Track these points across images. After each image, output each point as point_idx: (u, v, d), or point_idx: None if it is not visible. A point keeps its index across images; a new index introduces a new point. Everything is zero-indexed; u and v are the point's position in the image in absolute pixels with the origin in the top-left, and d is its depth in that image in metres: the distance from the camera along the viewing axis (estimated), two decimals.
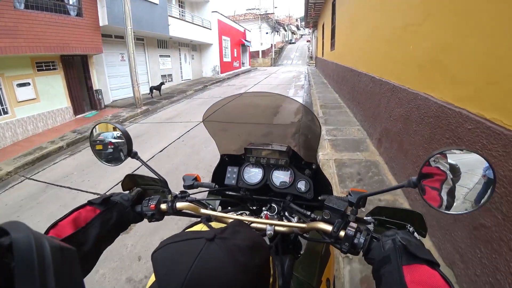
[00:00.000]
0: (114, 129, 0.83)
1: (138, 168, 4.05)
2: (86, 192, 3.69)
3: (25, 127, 6.83)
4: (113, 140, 0.84)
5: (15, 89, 6.58)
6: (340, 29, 8.54)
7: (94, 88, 9.01)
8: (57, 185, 4.04)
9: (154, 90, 10.91)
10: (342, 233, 0.62)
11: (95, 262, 0.65)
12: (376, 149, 3.78)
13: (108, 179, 3.97)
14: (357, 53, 5.61)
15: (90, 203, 0.71)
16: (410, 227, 0.64)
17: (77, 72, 8.39)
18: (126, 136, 0.79)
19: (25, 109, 6.83)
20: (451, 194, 0.53)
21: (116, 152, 0.84)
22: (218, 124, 1.12)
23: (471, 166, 0.52)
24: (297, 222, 0.80)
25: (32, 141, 6.43)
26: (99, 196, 0.74)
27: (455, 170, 0.52)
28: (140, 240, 2.55)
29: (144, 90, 12.13)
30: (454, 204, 0.53)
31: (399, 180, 2.84)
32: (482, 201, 0.50)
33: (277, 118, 1.15)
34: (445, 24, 1.99)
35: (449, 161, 0.52)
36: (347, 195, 0.71)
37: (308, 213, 0.80)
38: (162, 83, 11.18)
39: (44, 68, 7.32)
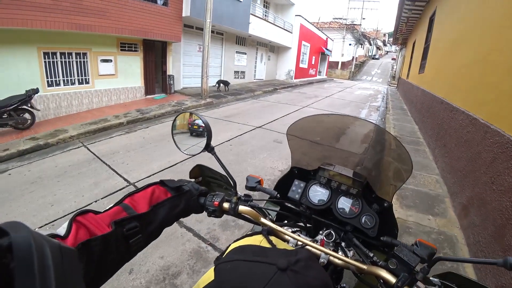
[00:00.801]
0: (198, 120, 0.86)
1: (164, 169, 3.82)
2: (120, 175, 3.74)
3: (101, 98, 7.53)
4: (194, 131, 0.88)
5: (98, 64, 7.29)
6: (435, 49, 7.22)
7: (167, 73, 9.45)
8: (102, 160, 4.24)
9: (221, 84, 10.99)
10: None
11: (153, 240, 0.67)
12: (457, 218, 2.80)
13: (142, 169, 3.94)
14: (454, 82, 4.48)
15: (162, 183, 0.74)
16: None
17: (155, 56, 8.89)
18: (208, 130, 0.80)
19: (103, 82, 7.53)
20: None
21: (194, 142, 0.87)
22: (299, 134, 1.10)
23: None
24: (356, 259, 0.71)
25: (103, 111, 7.04)
26: (170, 179, 0.77)
27: None
28: (140, 252, 2.27)
29: (214, 83, 12.45)
30: None
31: (481, 281, 1.95)
32: None
33: (361, 145, 1.13)
34: None
35: None
36: (413, 245, 0.64)
37: (371, 254, 0.71)
38: (228, 82, 11.20)
39: (126, 48, 7.93)
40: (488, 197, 2.23)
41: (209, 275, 0.62)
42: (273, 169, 4.06)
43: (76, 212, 0.53)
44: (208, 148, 0.81)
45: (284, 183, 1.02)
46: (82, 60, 6.93)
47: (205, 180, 0.99)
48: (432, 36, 7.96)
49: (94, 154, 4.46)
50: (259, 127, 6.41)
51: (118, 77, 7.86)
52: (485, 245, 2.08)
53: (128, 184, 3.50)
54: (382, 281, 0.63)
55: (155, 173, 3.77)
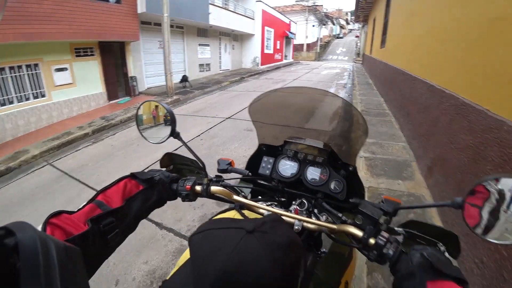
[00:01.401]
0: (161, 108, 0.86)
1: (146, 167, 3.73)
2: (92, 188, 3.60)
3: (61, 111, 7.09)
4: (159, 119, 0.88)
5: (53, 74, 6.82)
6: (394, 23, 7.46)
7: (129, 75, 9.08)
8: (70, 176, 4.03)
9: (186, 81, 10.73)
10: (372, 241, 0.62)
11: (130, 233, 0.69)
12: (423, 179, 2.97)
13: (114, 178, 3.66)
14: (412, 53, 4.67)
15: (133, 176, 0.74)
16: (441, 246, 0.63)
17: (113, 58, 8.49)
18: (172, 117, 0.80)
19: (61, 93, 7.08)
20: (494, 221, 0.50)
21: (160, 131, 0.86)
22: (261, 113, 1.12)
23: None
24: (327, 221, 0.75)
25: (65, 124, 6.64)
26: (141, 171, 0.78)
27: (505, 198, 0.49)
28: (123, 261, 2.28)
29: (179, 78, 12.13)
30: (495, 232, 0.50)
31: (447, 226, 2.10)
32: None
33: (321, 115, 1.14)
34: None
35: (500, 187, 0.49)
36: (380, 202, 0.69)
37: (340, 214, 0.78)
38: (186, 77, 10.93)
39: (82, 54, 7.48)
40: (448, 156, 2.37)
41: (186, 255, 0.63)
42: (246, 157, 4.01)
43: (49, 214, 0.52)
44: (174, 134, 0.81)
45: (254, 161, 1.05)
46: (34, 72, 6.43)
47: (176, 168, 1.00)
48: (390, 11, 8.20)
49: (62, 171, 4.24)
50: (229, 118, 6.37)
51: (76, 86, 7.41)
52: (448, 199, 2.22)
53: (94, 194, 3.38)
54: (352, 237, 0.67)
55: None
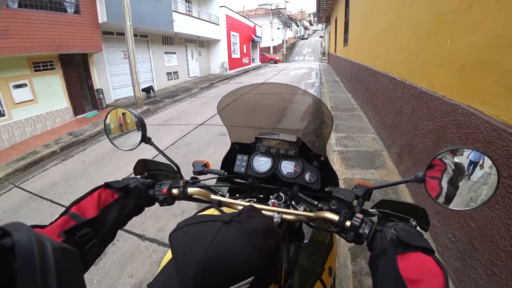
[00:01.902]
0: (129, 115, 0.85)
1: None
2: (65, 207, 3.27)
3: (23, 129, 6.65)
4: (128, 126, 0.87)
5: (11, 91, 6.40)
6: (354, 22, 7.86)
7: (95, 88, 8.72)
8: (40, 197, 3.80)
9: (150, 91, 10.26)
10: (348, 223, 0.65)
11: (109, 243, 0.66)
12: (394, 166, 3.18)
13: None
14: (373, 49, 4.97)
15: (108, 186, 0.72)
16: (413, 221, 0.68)
17: (76, 71, 8.11)
18: (141, 122, 0.80)
19: (22, 111, 6.65)
20: (454, 190, 0.55)
21: (130, 137, 0.86)
22: (231, 112, 1.13)
23: (477, 166, 0.53)
24: (304, 211, 0.79)
25: (29, 143, 6.25)
26: (115, 180, 0.75)
27: (460, 168, 0.54)
28: (107, 276, 2.21)
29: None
30: (456, 200, 0.55)
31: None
32: (482, 200, 0.53)
33: (289, 110, 1.16)
34: (510, 7, 1.40)
35: (456, 159, 0.54)
36: (353, 188, 0.72)
37: (316, 202, 0.81)
38: (151, 87, 10.41)
39: (41, 68, 7.08)
40: (414, 142, 2.56)
41: (169, 254, 0.64)
42: None
43: None
44: (145, 139, 0.81)
45: (228, 161, 1.06)
46: None
47: (151, 174, 0.99)
48: (350, 10, 8.61)
49: (30, 192, 3.98)
50: (201, 124, 6.35)
51: (38, 102, 6.98)
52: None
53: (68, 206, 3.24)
54: (329, 222, 0.70)
55: None
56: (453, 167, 0.55)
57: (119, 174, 4.06)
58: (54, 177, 4.41)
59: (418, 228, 0.64)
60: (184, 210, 2.95)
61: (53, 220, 0.58)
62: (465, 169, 0.54)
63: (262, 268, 0.44)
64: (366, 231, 0.62)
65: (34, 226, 0.52)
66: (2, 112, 6.25)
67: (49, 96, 7.28)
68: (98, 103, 8.75)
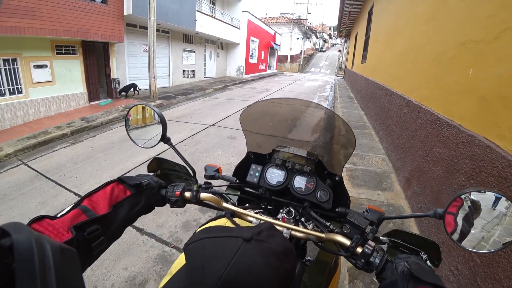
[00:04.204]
0: (151, 112, 0.85)
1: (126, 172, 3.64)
2: (69, 190, 3.46)
3: (38, 109, 6.80)
4: (149, 124, 0.87)
5: (31, 70, 6.54)
6: (374, 40, 7.84)
7: (112, 77, 8.87)
8: (46, 177, 3.86)
9: (132, 90, 9.41)
10: (359, 250, 0.64)
11: (115, 239, 0.66)
12: (402, 190, 3.12)
13: (93, 181, 3.68)
14: (391, 70, 4.94)
15: (121, 181, 0.72)
16: (423, 254, 0.66)
17: (96, 58, 8.27)
18: (163, 121, 0.80)
19: (39, 91, 6.80)
20: (469, 228, 0.54)
21: (150, 135, 0.85)
22: (252, 122, 1.13)
23: (499, 209, 0.53)
24: (314, 230, 0.77)
25: (42, 123, 6.38)
26: (129, 176, 0.75)
27: (477, 206, 0.53)
28: (102, 266, 2.22)
29: (163, 83, 11.98)
30: (469, 238, 0.54)
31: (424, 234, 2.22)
32: (502, 245, 0.51)
33: (311, 126, 1.18)
34: None
35: (476, 199, 0.54)
36: (364, 212, 0.72)
37: (327, 223, 0.79)
38: (134, 85, 9.41)
39: (63, 51, 7.25)
40: (425, 168, 2.52)
41: (180, 260, 0.64)
42: (229, 165, 4.10)
43: (31, 219, 0.50)
44: (164, 139, 0.81)
45: (242, 169, 1.06)
46: (12, 67, 6.14)
47: (164, 173, 0.99)
48: (371, 28, 8.60)
49: (37, 171, 4.05)
50: (212, 125, 6.37)
51: (56, 84, 7.14)
52: (426, 210, 2.36)
53: (79, 198, 3.26)
54: (339, 245, 0.70)
55: None
56: (470, 204, 0.55)
57: (126, 165, 4.10)
58: (62, 159, 4.49)
59: (428, 262, 0.64)
60: (186, 209, 2.94)
61: (64, 211, 0.58)
62: (481, 207, 0.54)
63: None
64: (377, 260, 0.61)
65: (45, 217, 0.52)
66: (20, 90, 6.40)
67: (67, 79, 7.43)
68: (113, 92, 8.89)
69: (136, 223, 2.69)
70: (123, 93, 9.14)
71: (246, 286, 0.40)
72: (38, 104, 6.77)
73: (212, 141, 5.19)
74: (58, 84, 7.20)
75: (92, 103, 8.25)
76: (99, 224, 0.59)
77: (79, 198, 0.64)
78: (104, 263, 2.23)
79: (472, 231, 0.54)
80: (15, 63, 6.21)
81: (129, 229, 2.60)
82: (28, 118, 6.56)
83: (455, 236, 0.56)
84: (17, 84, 6.34)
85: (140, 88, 9.58)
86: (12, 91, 6.26)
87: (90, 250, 0.56)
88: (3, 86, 6.08)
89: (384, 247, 0.68)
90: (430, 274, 0.53)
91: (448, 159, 2.06)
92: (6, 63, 6.05)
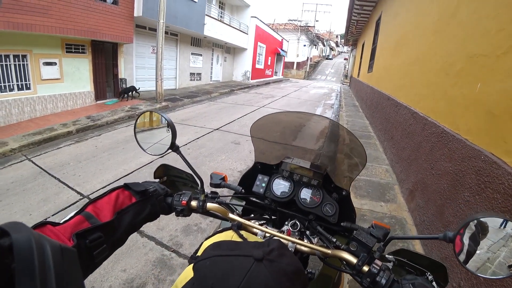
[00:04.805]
0: (161, 119, 0.84)
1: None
2: (71, 189, 3.46)
3: (45, 105, 6.86)
4: (158, 131, 0.86)
5: (40, 67, 6.62)
6: (381, 50, 7.84)
7: (119, 77, 8.96)
8: (49, 174, 3.88)
9: (132, 92, 9.12)
10: (365, 268, 0.64)
11: (118, 247, 0.64)
12: (405, 202, 3.09)
13: (96, 180, 3.69)
14: (398, 80, 4.92)
15: (127, 187, 0.70)
16: (429, 275, 0.65)
17: (105, 58, 8.37)
18: (172, 129, 0.79)
19: (47, 88, 6.87)
20: (484, 257, 0.53)
21: (159, 142, 0.85)
22: (262, 133, 1.14)
23: (506, 231, 0.52)
24: (320, 245, 0.76)
25: (48, 120, 6.43)
26: (135, 182, 0.73)
27: (484, 228, 0.53)
28: (100, 267, 2.11)
29: (170, 85, 12.06)
30: (486, 267, 0.53)
31: (428, 254, 2.18)
32: (508, 267, 0.51)
33: (320, 138, 1.18)
34: None
35: (488, 224, 0.53)
36: (369, 227, 0.71)
37: (334, 239, 0.78)
38: (133, 88, 9.06)
39: (73, 50, 7.33)
40: (429, 181, 2.49)
41: (186, 274, 0.63)
42: (232, 170, 4.08)
43: (33, 225, 0.49)
44: (173, 147, 0.80)
45: (248, 178, 1.05)
46: (21, 63, 6.22)
47: (170, 180, 0.98)
48: (379, 38, 8.61)
49: (40, 168, 4.07)
50: (217, 129, 6.37)
51: (64, 82, 7.21)
52: (429, 224, 2.33)
53: (81, 197, 3.26)
54: (345, 263, 0.70)
55: (110, 183, 3.57)
56: (486, 234, 0.54)
57: (129, 166, 4.11)
58: (66, 157, 4.51)
59: (434, 284, 0.62)
60: None
61: (67, 217, 0.57)
62: (488, 229, 0.53)
63: None
64: (383, 280, 0.61)
65: (48, 223, 0.52)
66: (28, 86, 6.47)
67: (75, 77, 7.51)
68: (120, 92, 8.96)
69: None
70: (124, 95, 8.94)
71: None
72: (45, 100, 6.83)
73: (216, 146, 5.19)
74: (66, 81, 7.28)
75: (98, 102, 8.33)
76: (102, 231, 0.58)
77: (84, 204, 0.63)
78: (103, 264, 2.21)
79: (486, 259, 0.54)
80: (25, 59, 6.29)
81: None
82: (35, 114, 6.63)
83: (462, 257, 0.55)
84: (25, 80, 6.41)
85: (139, 88, 9.41)
86: (20, 86, 6.33)
87: (92, 257, 0.55)
88: (12, 82, 6.14)
89: (390, 265, 0.67)
90: None
91: (453, 173, 2.04)
92: (16, 59, 6.13)
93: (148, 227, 2.68)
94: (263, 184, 0.99)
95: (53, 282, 0.27)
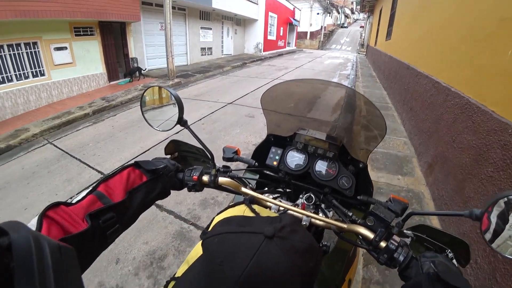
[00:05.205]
0: (167, 94, 0.82)
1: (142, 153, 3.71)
2: (92, 168, 3.62)
3: (60, 90, 6.99)
4: (165, 106, 0.84)
5: (52, 53, 6.66)
6: (401, 15, 7.34)
7: (130, 56, 8.92)
8: (71, 155, 4.05)
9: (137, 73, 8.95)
10: (382, 244, 0.62)
11: (130, 226, 0.65)
12: (423, 176, 3.01)
13: (115, 159, 3.83)
14: (419, 48, 4.62)
15: (138, 165, 0.69)
16: (450, 252, 0.62)
17: (114, 38, 8.30)
18: (179, 103, 0.77)
19: (61, 72, 6.96)
20: (503, 226, 0.50)
21: (166, 117, 0.83)
22: (272, 103, 1.09)
23: None
24: (335, 219, 0.73)
25: (65, 104, 6.58)
26: (145, 160, 0.72)
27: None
28: (123, 240, 2.34)
29: (181, 62, 11.92)
30: (501, 238, 0.50)
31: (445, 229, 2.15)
32: None
33: (336, 109, 1.12)
34: None
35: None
36: (387, 201, 0.68)
37: (350, 213, 0.74)
38: (139, 68, 8.93)
39: (81, 33, 7.29)
40: (450, 155, 2.40)
41: (197, 251, 0.64)
42: (247, 143, 4.11)
43: (46, 206, 0.49)
44: (181, 122, 0.78)
45: (261, 151, 1.03)
46: (33, 50, 6.27)
47: (181, 155, 0.97)
48: (398, 2, 8.03)
49: (62, 150, 4.24)
50: (230, 103, 6.34)
51: (76, 65, 7.27)
52: (448, 198, 2.27)
53: (102, 175, 3.40)
54: (361, 237, 0.67)
55: (128, 161, 3.68)
56: (507, 201, 0.50)
57: (146, 143, 4.21)
58: (85, 138, 4.66)
59: (454, 261, 0.59)
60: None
61: (79, 197, 0.57)
62: None
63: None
64: (401, 257, 0.58)
65: (60, 203, 0.52)
66: (43, 72, 6.56)
67: (86, 60, 7.53)
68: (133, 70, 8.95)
69: None
70: (133, 75, 8.78)
71: (267, 284, 0.39)
72: (60, 85, 6.95)
73: (230, 120, 5.19)
74: (79, 65, 7.33)
75: (111, 82, 8.39)
76: (115, 211, 0.58)
77: (95, 183, 0.62)
78: (126, 237, 2.35)
79: (505, 231, 0.50)
80: (36, 46, 6.33)
81: None
82: (52, 99, 6.79)
83: (488, 236, 0.52)
84: (39, 67, 6.50)
85: (145, 68, 9.34)
86: (35, 73, 6.43)
87: (105, 237, 0.56)
88: (26, 69, 6.24)
89: (408, 240, 0.64)
90: (457, 276, 0.49)
91: (477, 147, 1.94)
92: (28, 47, 6.18)
93: (167, 202, 2.78)
94: (277, 157, 0.96)
95: (51, 281, 0.27)
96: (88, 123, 5.46)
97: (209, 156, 0.83)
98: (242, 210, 0.69)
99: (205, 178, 0.81)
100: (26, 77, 6.26)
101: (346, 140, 0.98)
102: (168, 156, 0.89)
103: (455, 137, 2.35)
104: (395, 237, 0.62)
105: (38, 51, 6.39)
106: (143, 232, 2.40)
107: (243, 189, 0.80)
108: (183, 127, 0.80)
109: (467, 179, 1.99)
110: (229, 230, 0.46)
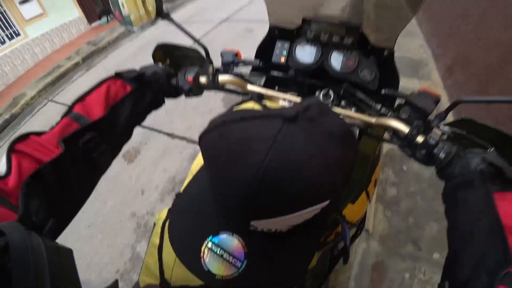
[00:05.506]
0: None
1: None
2: None
3: (42, 46, 6.61)
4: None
5: (18, 7, 6.06)
6: None
7: None
8: None
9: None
10: (420, 139, 0.52)
11: (125, 142, 0.60)
12: (441, 79, 2.86)
13: None
14: None
15: (118, 75, 0.60)
16: (493, 150, 0.47)
17: None
18: None
19: (36, 27, 6.47)
20: None
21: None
22: None
23: None
24: (362, 114, 0.64)
25: (52, 59, 6.28)
26: (128, 69, 0.62)
27: None
28: (144, 171, 2.50)
29: None
30: None
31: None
32: None
33: None
34: None
35: None
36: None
37: (378, 106, 0.64)
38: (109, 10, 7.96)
39: None
40: (473, 55, 2.24)
41: (199, 161, 0.58)
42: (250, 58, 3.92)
43: (12, 140, 0.43)
44: (161, 13, 0.65)
45: (265, 49, 0.87)
46: None
47: (174, 61, 0.83)
48: None
49: (64, 104, 4.20)
50: (224, 20, 5.84)
51: (49, 15, 6.62)
52: (469, 106, 2.21)
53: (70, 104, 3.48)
54: (393, 133, 0.59)
55: None
56: None
57: None
58: (82, 87, 4.42)
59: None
60: (211, 108, 2.97)
61: (54, 124, 0.50)
62: None
63: (340, 188, 0.33)
64: (443, 154, 0.48)
65: (30, 134, 0.46)
66: (17, 32, 6.11)
67: (58, 7, 6.83)
68: (110, 6, 8.09)
69: (165, 129, 2.84)
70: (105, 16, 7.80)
71: (294, 186, 0.29)
72: (40, 41, 6.52)
73: (227, 37, 4.86)
74: (51, 14, 6.69)
75: (93, 24, 7.73)
76: (95, 130, 0.51)
77: (70, 105, 0.53)
78: (145, 169, 2.50)
79: None
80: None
81: (159, 135, 2.79)
82: (37, 57, 6.45)
83: None
84: (11, 28, 6.03)
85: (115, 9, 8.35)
86: (10, 36, 6.00)
87: (93, 160, 0.50)
88: (1, 33, 5.83)
89: (443, 137, 0.54)
90: None
91: (508, 44, 1.78)
92: None
93: (176, 129, 2.84)
94: (284, 52, 0.82)
95: (48, 281, 0.28)
96: (81, 71, 5.25)
97: (203, 52, 0.71)
98: (250, 107, 0.60)
99: (203, 79, 0.71)
100: (3, 42, 5.89)
101: (365, 22, 0.79)
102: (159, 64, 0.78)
103: (481, 35, 2.15)
104: (436, 130, 0.54)
105: (4, 10, 5.82)
106: (160, 161, 2.53)
107: (250, 87, 0.70)
108: (164, 20, 0.67)
109: (492, 80, 1.90)
110: (231, 119, 0.35)
